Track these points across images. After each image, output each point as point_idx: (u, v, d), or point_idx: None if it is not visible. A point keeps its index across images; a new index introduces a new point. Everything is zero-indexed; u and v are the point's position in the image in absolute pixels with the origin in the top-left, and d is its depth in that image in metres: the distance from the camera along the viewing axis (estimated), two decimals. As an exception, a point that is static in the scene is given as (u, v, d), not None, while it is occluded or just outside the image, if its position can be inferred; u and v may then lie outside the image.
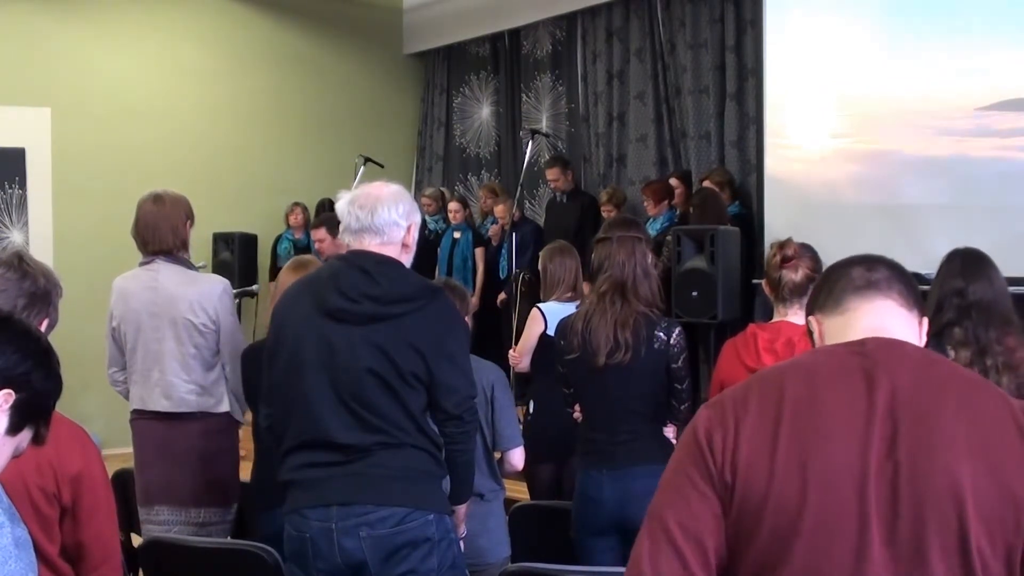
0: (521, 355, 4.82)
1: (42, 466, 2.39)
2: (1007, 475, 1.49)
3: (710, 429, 1.64)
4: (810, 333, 1.82)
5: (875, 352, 1.64)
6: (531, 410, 4.79)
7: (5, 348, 1.90)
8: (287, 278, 3.61)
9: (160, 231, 3.97)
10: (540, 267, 4.84)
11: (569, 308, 4.47)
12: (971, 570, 1.48)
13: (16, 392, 1.88)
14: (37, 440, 1.97)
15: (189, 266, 4.08)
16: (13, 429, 1.90)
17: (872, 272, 1.76)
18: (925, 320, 1.79)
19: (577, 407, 3.70)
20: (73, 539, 2.48)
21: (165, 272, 3.98)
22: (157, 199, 4.00)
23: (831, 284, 1.80)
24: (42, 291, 2.71)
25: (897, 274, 1.78)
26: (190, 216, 4.06)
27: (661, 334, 3.52)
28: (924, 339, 1.77)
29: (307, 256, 4.15)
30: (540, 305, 4.76)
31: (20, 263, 2.73)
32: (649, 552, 1.60)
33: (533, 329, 4.73)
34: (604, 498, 3.47)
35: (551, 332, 4.53)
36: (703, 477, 1.60)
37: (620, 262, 3.55)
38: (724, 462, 1.60)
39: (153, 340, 3.98)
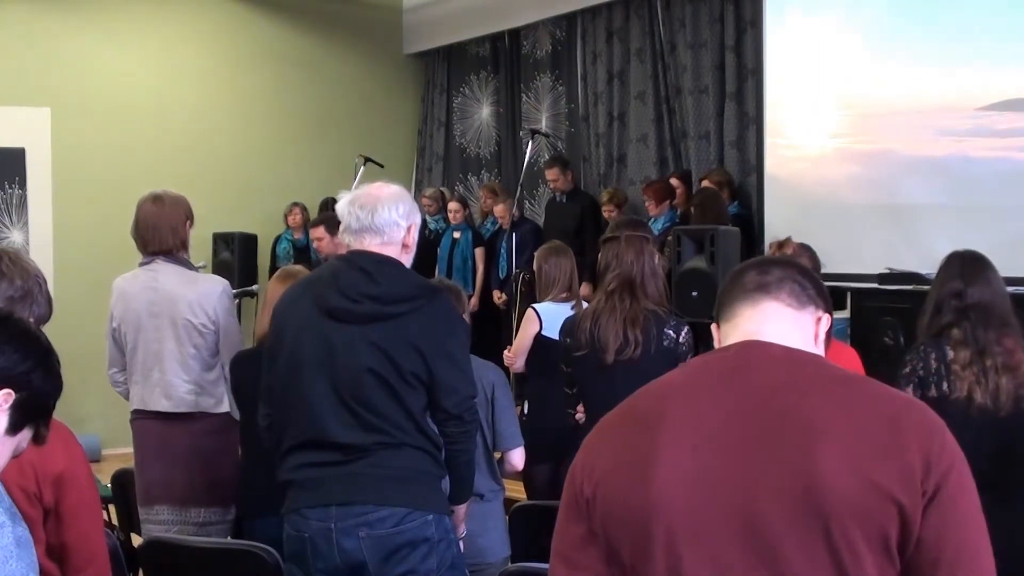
0: (516, 355, 4.81)
1: (23, 465, 2.32)
2: (868, 467, 1.49)
3: (576, 459, 1.68)
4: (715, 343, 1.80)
5: (737, 356, 1.65)
6: (526, 410, 4.78)
7: (5, 347, 1.90)
8: (275, 288, 3.60)
9: (160, 231, 3.97)
10: (535, 267, 4.84)
11: (564, 308, 4.47)
12: (840, 563, 1.48)
13: (16, 392, 1.88)
14: (37, 440, 1.97)
15: (189, 266, 4.08)
16: (13, 429, 1.90)
17: (764, 275, 1.73)
18: (826, 317, 1.75)
19: (579, 409, 3.68)
20: (57, 540, 2.43)
21: (165, 272, 3.99)
22: (157, 199, 4.01)
23: (725, 291, 1.77)
24: (20, 293, 2.64)
25: (792, 273, 1.74)
26: (190, 216, 4.06)
27: (671, 331, 3.52)
28: (823, 336, 1.74)
29: (295, 267, 4.16)
30: (535, 305, 4.75)
31: None
32: None
33: (528, 329, 4.72)
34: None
35: (546, 333, 4.53)
36: (577, 513, 1.65)
37: (629, 260, 3.56)
38: (584, 479, 1.64)
39: (153, 340, 3.99)
